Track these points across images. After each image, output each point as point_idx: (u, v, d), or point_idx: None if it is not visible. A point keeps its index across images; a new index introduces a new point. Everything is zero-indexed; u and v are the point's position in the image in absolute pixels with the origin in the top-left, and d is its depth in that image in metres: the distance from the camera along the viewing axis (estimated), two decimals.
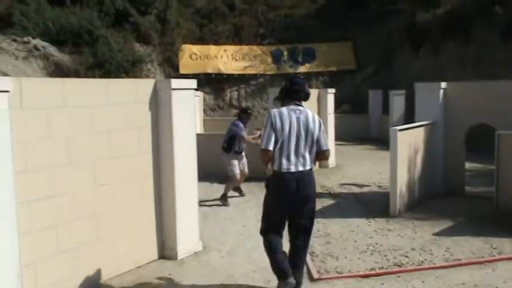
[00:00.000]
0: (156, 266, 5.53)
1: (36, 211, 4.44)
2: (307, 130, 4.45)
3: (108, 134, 5.19)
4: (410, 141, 7.94)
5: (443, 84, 8.85)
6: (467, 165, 9.48)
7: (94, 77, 15.19)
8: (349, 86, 21.23)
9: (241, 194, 9.18)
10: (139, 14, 19.86)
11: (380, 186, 9.80)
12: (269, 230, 4.61)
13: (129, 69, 17.13)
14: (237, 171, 8.70)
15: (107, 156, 5.17)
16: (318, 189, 9.50)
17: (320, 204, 8.44)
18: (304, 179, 4.45)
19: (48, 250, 4.57)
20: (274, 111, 4.51)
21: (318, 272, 5.26)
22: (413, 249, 6.00)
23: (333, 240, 6.40)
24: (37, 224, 4.45)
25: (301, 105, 4.56)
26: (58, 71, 15.57)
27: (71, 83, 4.95)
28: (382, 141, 15.70)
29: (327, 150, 4.60)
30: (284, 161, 4.41)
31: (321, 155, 4.61)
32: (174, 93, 5.68)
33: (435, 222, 7.09)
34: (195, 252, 5.93)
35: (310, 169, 4.52)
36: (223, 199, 8.63)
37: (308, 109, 4.59)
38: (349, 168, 12.10)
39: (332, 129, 12.38)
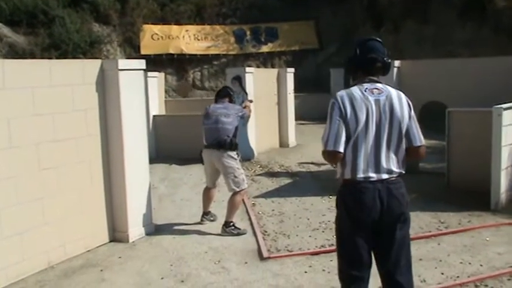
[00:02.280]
0: (106, 250, 5.48)
1: None
2: (391, 117, 3.07)
3: (52, 116, 5.07)
4: None
5: (396, 63, 8.94)
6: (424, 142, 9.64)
7: (50, 58, 14.78)
8: (312, 65, 21.33)
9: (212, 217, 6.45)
10: None
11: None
12: (349, 274, 3.16)
13: (87, 50, 16.72)
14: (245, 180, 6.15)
15: (51, 139, 5.05)
16: (277, 169, 9.66)
17: (277, 183, 8.52)
18: (392, 190, 3.06)
19: None
20: (342, 93, 3.13)
21: (268, 250, 5.30)
22: None
23: (287, 219, 6.45)
24: None
25: (379, 82, 3.19)
26: (12, 52, 15.11)
27: (10, 64, 4.82)
28: None
29: (422, 147, 3.16)
30: (360, 165, 3.05)
31: (413, 154, 3.17)
32: (122, 73, 5.58)
33: None
34: (148, 234, 5.90)
35: (399, 175, 3.12)
36: (233, 227, 5.92)
37: (390, 87, 3.20)
38: (309, 147, 12.12)
39: (292, 109, 12.42)
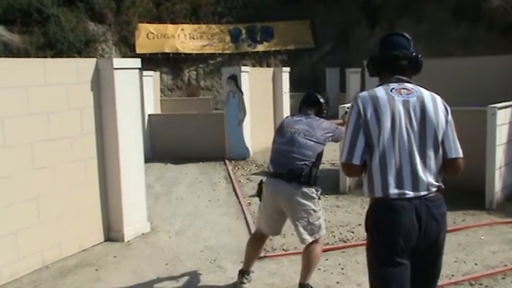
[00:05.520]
0: (101, 249, 5.46)
1: None
2: (424, 122, 2.61)
3: (47, 115, 5.04)
4: None
5: None
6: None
7: (45, 57, 14.75)
8: (307, 64, 21.37)
9: None
10: None
11: (333, 164, 9.88)
12: None
13: (82, 49, 16.72)
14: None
15: (46, 139, 5.03)
16: None
17: None
18: (431, 209, 2.59)
19: None
20: (363, 94, 2.68)
21: (264, 249, 5.28)
22: (360, 224, 6.10)
23: None
24: None
25: (408, 81, 2.75)
26: (7, 51, 15.07)
27: (3, 63, 4.79)
28: None
29: (458, 159, 2.66)
30: (391, 180, 2.57)
31: (449, 167, 2.67)
32: (117, 72, 5.56)
33: None
34: (143, 234, 5.89)
35: (438, 190, 2.63)
36: None
37: (423, 88, 2.74)
38: None
39: (288, 109, 12.41)
